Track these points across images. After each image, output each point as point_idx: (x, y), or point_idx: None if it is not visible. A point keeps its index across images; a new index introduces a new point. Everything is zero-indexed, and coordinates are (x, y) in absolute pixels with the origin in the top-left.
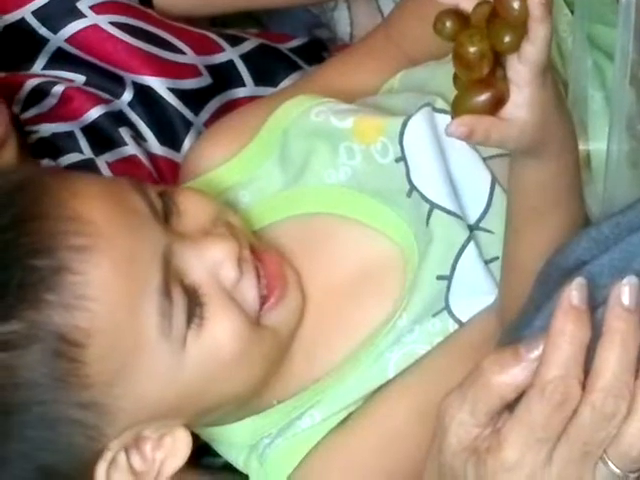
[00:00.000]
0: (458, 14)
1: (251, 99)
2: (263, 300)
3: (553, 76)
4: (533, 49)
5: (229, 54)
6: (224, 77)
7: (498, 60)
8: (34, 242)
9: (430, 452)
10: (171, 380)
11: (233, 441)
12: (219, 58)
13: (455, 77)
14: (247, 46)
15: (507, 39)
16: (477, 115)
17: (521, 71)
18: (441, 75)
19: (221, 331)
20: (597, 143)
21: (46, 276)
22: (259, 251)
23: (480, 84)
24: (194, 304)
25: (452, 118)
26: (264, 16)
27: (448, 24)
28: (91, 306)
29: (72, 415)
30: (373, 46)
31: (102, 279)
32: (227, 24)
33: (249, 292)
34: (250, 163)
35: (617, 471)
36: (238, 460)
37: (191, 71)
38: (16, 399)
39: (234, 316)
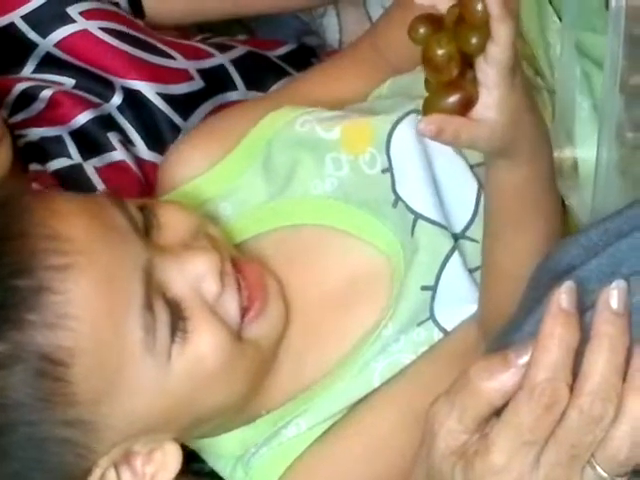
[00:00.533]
0: (432, 20)
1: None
2: (243, 312)
3: (523, 78)
4: (497, 49)
5: (219, 59)
6: (217, 80)
7: (467, 62)
8: (15, 262)
9: (418, 457)
10: (157, 394)
11: (221, 452)
12: (210, 62)
13: (426, 80)
14: (236, 52)
15: (473, 40)
16: (447, 115)
17: (488, 72)
18: None
19: (204, 345)
20: (585, 151)
21: (27, 296)
22: (240, 262)
23: (449, 86)
24: (177, 318)
25: (423, 116)
26: (253, 23)
27: (421, 30)
28: (73, 325)
29: (60, 434)
30: (359, 54)
31: (83, 297)
32: (215, 31)
33: (231, 305)
34: (230, 173)
35: (604, 475)
36: (225, 470)
37: (182, 75)
38: (3, 420)
39: (217, 330)
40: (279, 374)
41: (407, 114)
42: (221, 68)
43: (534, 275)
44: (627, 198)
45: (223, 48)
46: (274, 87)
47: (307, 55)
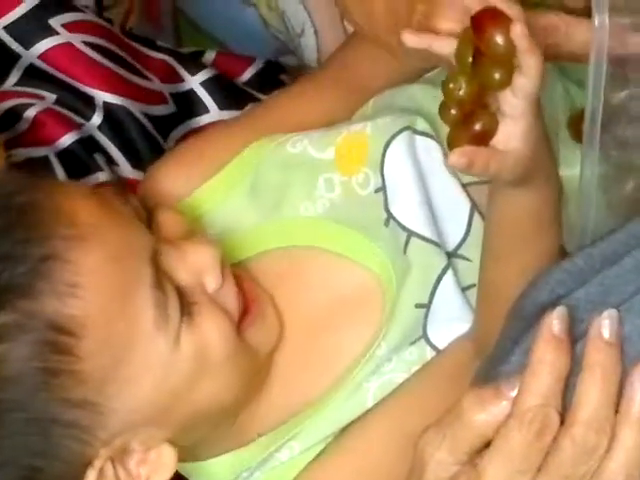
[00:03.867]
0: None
1: (217, 124)
2: (242, 314)
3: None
4: (527, 81)
5: (189, 83)
6: (187, 105)
7: (484, 93)
8: (25, 231)
9: None
10: (163, 378)
11: (212, 476)
12: (181, 87)
13: (442, 109)
14: (207, 73)
15: (496, 76)
16: (476, 147)
17: (515, 104)
18: (420, 94)
19: (210, 329)
20: (568, 169)
21: (37, 264)
22: (236, 274)
23: (470, 117)
24: (184, 301)
25: (449, 150)
26: (230, 42)
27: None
28: (84, 294)
29: (64, 415)
30: (331, 75)
31: (94, 268)
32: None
33: (230, 299)
34: (217, 196)
35: None
36: None
37: (158, 97)
38: (7, 395)
39: (221, 316)
40: (270, 394)
41: (400, 131)
42: (191, 92)
43: (518, 303)
44: (611, 216)
45: (193, 69)
46: (250, 106)
47: (276, 72)
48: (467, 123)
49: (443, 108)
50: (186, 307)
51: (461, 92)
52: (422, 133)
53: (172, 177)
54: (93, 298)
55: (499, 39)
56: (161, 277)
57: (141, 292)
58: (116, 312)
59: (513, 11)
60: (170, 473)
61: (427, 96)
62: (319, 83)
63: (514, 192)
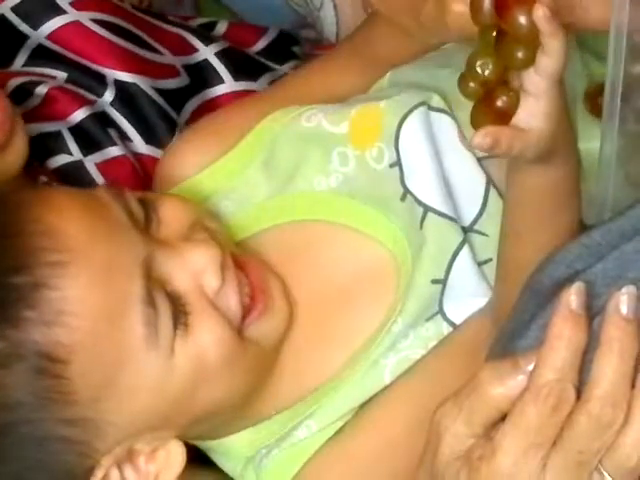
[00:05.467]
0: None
1: (232, 95)
2: (246, 311)
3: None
4: (550, 61)
5: (203, 53)
6: (201, 76)
7: (506, 71)
8: (11, 259)
9: (422, 461)
10: (159, 390)
11: (231, 452)
12: (194, 58)
13: (461, 82)
14: (220, 45)
15: (519, 55)
16: (499, 126)
17: (538, 82)
18: (436, 72)
19: (206, 338)
20: (585, 142)
21: (24, 293)
22: (241, 259)
23: (491, 96)
24: (178, 311)
25: (473, 127)
26: (248, 15)
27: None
28: (71, 321)
29: (60, 433)
30: (356, 49)
31: (80, 294)
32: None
33: (231, 300)
34: (232, 170)
35: None
36: (235, 471)
37: (170, 71)
38: (3, 420)
39: (218, 323)
40: (284, 374)
41: (415, 107)
42: (205, 63)
43: (535, 277)
44: (629, 189)
45: (207, 39)
46: (265, 76)
47: (288, 44)
48: (488, 100)
49: (462, 81)
50: (181, 317)
51: (487, 72)
52: (437, 109)
53: (190, 154)
54: (80, 324)
55: (523, 20)
56: (152, 290)
57: (130, 311)
58: (105, 334)
59: None
60: (180, 467)
61: (442, 73)
62: (341, 58)
63: (535, 169)
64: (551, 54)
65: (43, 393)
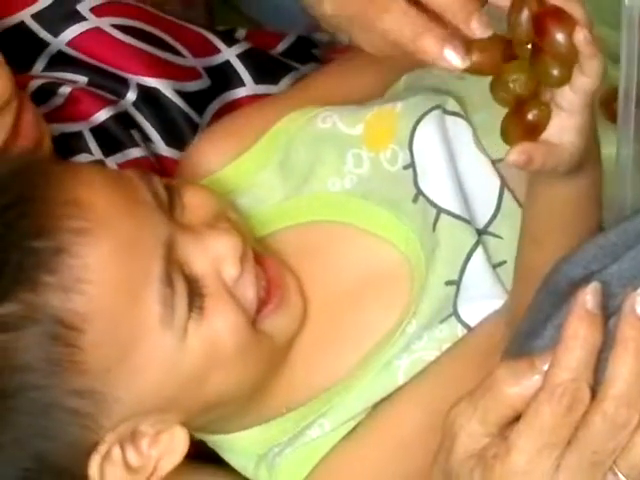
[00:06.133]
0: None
1: (252, 98)
2: (261, 304)
3: None
4: (588, 81)
5: (225, 55)
6: (222, 78)
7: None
8: (33, 224)
9: (436, 460)
10: (170, 370)
11: (241, 449)
12: (216, 59)
13: (494, 88)
14: (243, 46)
15: (556, 73)
16: (534, 143)
17: (573, 99)
18: (452, 77)
19: (221, 324)
20: (604, 148)
21: (44, 258)
22: (260, 254)
23: (523, 109)
24: (195, 294)
25: (506, 142)
26: (262, 17)
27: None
28: (89, 290)
29: (67, 402)
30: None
31: (101, 263)
32: (221, 23)
33: (248, 291)
34: (248, 170)
35: None
36: (247, 469)
37: (192, 73)
38: (11, 383)
39: (233, 311)
40: (295, 371)
41: (431, 110)
42: (227, 64)
43: (552, 277)
44: None
45: (230, 41)
46: (285, 80)
47: (308, 47)
48: (520, 112)
49: (494, 87)
50: (197, 300)
51: (519, 89)
52: (452, 113)
53: (210, 153)
54: (99, 294)
55: (562, 40)
56: (171, 272)
57: (148, 288)
58: (121, 307)
59: (577, 13)
60: (182, 453)
61: (459, 80)
62: (359, 61)
63: (560, 180)
64: (590, 74)
65: (54, 359)
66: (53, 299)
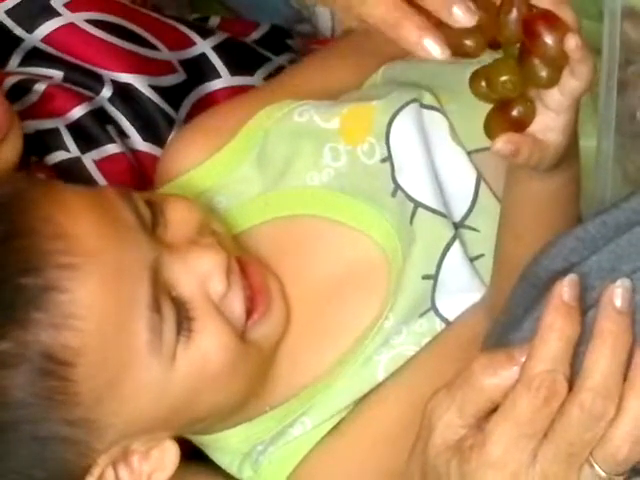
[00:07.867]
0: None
1: (229, 90)
2: (247, 313)
3: None
4: (578, 84)
5: (201, 47)
6: (198, 71)
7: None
8: (22, 261)
9: (413, 450)
10: (160, 394)
11: (226, 448)
12: (191, 52)
13: (473, 82)
14: (216, 39)
15: (545, 75)
16: (521, 135)
17: (561, 101)
18: (429, 67)
19: (210, 345)
20: (584, 141)
21: (34, 295)
22: (243, 261)
23: (508, 105)
24: (182, 317)
25: (489, 137)
26: (242, 9)
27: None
28: (79, 325)
29: (62, 433)
30: (352, 42)
31: (90, 297)
32: (196, 10)
33: (236, 305)
34: (226, 166)
35: (603, 474)
36: (232, 466)
37: (167, 68)
38: (6, 418)
39: (222, 329)
40: (277, 370)
41: (407, 104)
42: (202, 57)
43: (531, 269)
44: (627, 187)
45: (204, 32)
46: (261, 69)
47: (282, 37)
48: (505, 108)
49: (475, 80)
50: (185, 323)
51: (508, 90)
52: (429, 107)
53: (187, 150)
54: (89, 328)
55: (552, 44)
56: (159, 296)
57: (136, 316)
58: (111, 338)
59: (568, 18)
60: (174, 467)
61: (436, 68)
62: (338, 52)
63: (540, 175)
64: (579, 78)
65: (47, 394)
66: (43, 336)
